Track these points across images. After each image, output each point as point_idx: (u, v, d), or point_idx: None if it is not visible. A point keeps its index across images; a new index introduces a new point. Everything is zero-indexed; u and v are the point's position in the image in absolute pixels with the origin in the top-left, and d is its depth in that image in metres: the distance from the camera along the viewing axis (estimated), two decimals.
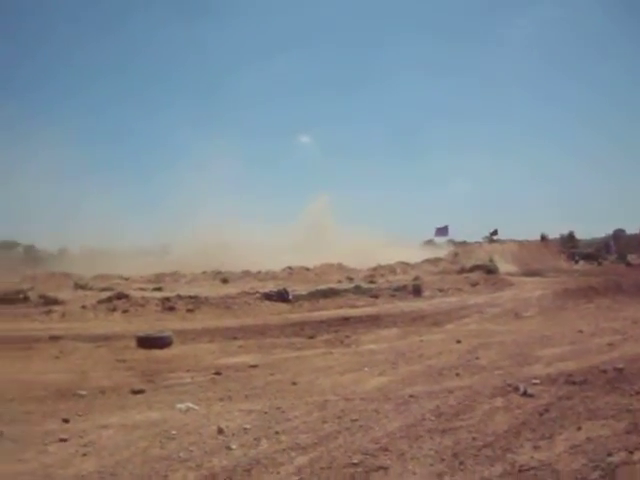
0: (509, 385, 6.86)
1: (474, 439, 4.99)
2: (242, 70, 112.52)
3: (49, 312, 15.86)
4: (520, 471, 4.27)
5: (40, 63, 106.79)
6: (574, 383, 6.89)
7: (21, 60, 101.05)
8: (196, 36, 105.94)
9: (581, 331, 11.52)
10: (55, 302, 17.37)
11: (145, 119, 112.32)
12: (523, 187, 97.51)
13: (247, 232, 47.14)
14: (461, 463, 4.45)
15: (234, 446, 4.92)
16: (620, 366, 7.60)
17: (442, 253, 47.17)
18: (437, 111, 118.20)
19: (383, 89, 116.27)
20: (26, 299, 17.95)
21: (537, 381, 7.01)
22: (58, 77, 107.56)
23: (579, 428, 5.18)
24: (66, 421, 5.87)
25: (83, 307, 16.62)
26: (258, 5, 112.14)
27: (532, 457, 4.51)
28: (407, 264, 37.76)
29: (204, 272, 32.71)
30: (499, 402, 6.18)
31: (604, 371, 7.44)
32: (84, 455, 4.77)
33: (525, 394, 6.39)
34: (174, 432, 5.35)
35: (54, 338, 11.35)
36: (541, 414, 5.66)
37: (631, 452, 4.52)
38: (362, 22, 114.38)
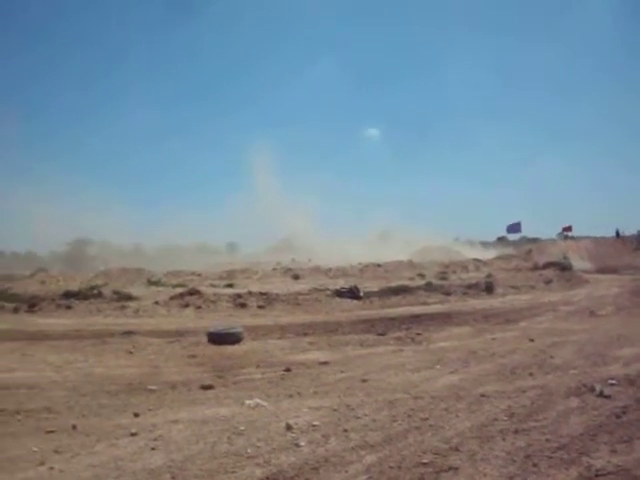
0: (584, 385, 6.68)
1: (548, 441, 4.90)
2: None
3: (122, 308, 16.51)
4: (597, 475, 4.16)
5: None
6: None
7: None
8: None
9: None
10: (128, 298, 17.94)
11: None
12: (600, 182, 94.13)
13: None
14: (534, 465, 4.37)
15: (302, 443, 4.97)
16: None
17: (515, 250, 46.22)
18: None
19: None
20: (99, 295, 18.43)
21: (614, 382, 6.79)
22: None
23: None
24: (137, 415, 6.06)
25: (156, 303, 17.20)
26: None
27: (609, 461, 4.39)
28: (479, 261, 37.23)
29: (274, 269, 33.23)
30: (574, 403, 6.04)
31: None
32: (153, 449, 4.92)
33: (601, 395, 6.20)
34: (242, 428, 5.45)
35: (127, 333, 11.81)
36: (618, 416, 5.50)
37: None
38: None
